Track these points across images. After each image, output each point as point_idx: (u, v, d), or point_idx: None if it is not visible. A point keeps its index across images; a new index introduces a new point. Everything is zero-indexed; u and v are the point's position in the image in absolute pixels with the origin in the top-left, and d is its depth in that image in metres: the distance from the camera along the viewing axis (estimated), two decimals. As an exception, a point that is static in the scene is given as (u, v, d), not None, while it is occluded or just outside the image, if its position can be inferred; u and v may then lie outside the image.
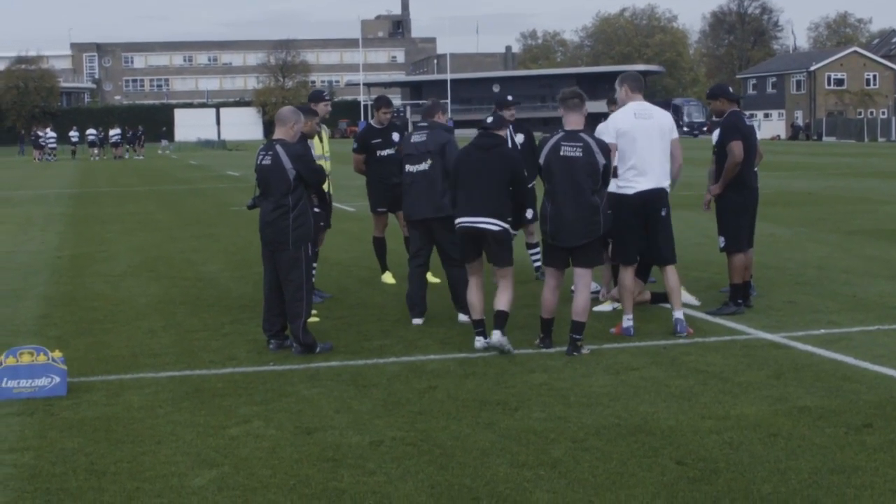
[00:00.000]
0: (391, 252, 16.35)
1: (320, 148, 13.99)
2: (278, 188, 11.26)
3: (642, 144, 11.92)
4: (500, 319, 11.23)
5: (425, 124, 13.02)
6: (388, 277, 16.04)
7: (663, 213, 12.14)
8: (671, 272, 12.20)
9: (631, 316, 12.00)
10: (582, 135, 11.12)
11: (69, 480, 7.54)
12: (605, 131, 12.11)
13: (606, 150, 11.20)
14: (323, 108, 14.09)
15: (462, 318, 12.62)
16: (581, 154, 10.97)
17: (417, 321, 12.80)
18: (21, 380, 9.73)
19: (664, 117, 12.25)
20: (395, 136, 15.11)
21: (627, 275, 12.09)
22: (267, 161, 11.37)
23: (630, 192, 11.93)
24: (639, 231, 12.08)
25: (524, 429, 8.48)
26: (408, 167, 12.82)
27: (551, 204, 11.08)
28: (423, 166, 12.66)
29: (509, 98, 15.03)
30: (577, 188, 10.97)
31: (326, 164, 13.97)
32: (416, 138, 12.84)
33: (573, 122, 11.23)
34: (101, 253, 21.06)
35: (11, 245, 22.90)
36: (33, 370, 9.76)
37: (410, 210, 12.85)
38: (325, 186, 13.70)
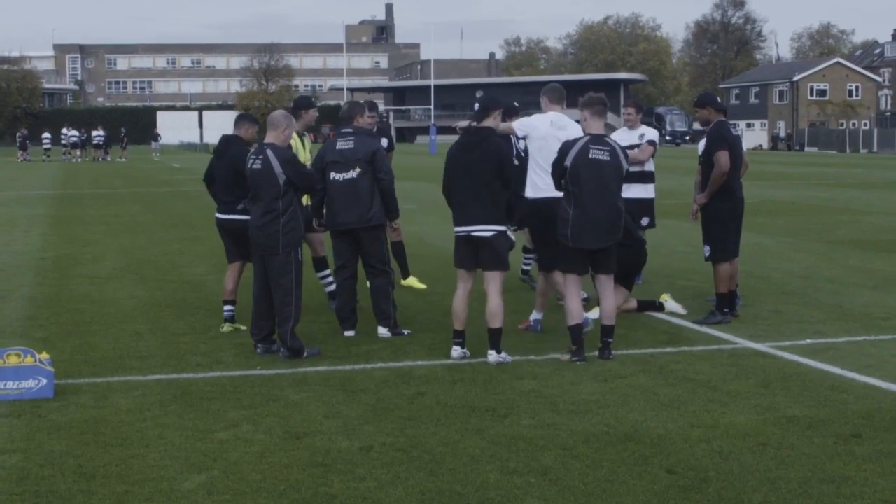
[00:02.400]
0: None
1: (305, 157, 13.82)
2: (268, 192, 11.24)
3: (548, 152, 11.98)
4: (495, 338, 11.11)
5: (349, 130, 12.50)
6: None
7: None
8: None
9: (541, 314, 12.54)
10: (607, 139, 11.23)
11: (58, 483, 7.51)
12: (519, 126, 12.55)
13: (625, 154, 11.34)
14: (313, 114, 13.99)
15: (382, 332, 12.43)
16: (609, 157, 11.04)
17: (349, 333, 12.57)
18: (8, 381, 9.69)
19: (577, 132, 12.21)
20: (384, 142, 14.94)
21: (541, 277, 12.56)
22: (257, 165, 11.34)
23: (532, 196, 12.27)
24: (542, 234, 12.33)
25: (514, 436, 8.49)
26: (333, 175, 12.33)
27: (575, 207, 11.08)
28: (352, 174, 12.25)
29: (516, 104, 14.84)
30: (605, 190, 11.05)
31: None
32: (341, 145, 12.37)
33: (598, 127, 11.27)
34: (86, 255, 21.00)
35: (-5, 246, 22.80)
36: (20, 372, 9.72)
37: (335, 220, 12.42)
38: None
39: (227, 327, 12.76)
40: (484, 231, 11.07)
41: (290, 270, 11.29)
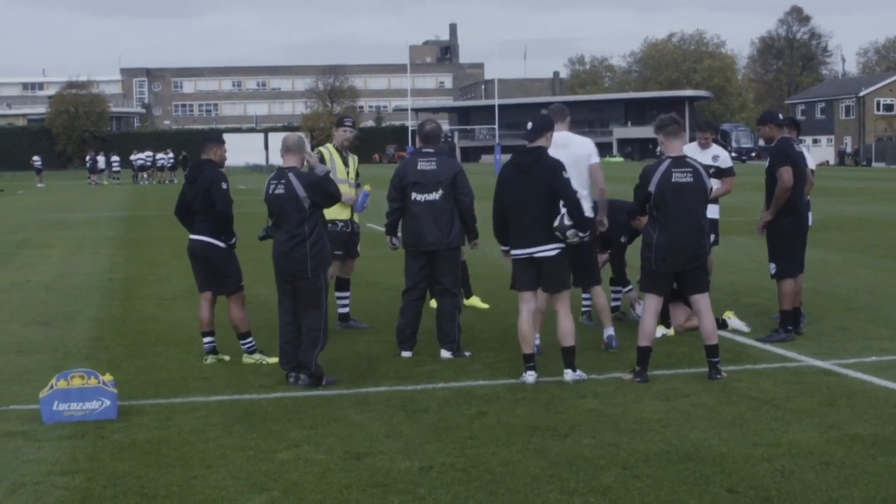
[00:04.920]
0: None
1: (343, 172, 13.92)
2: (293, 217, 11.19)
3: None
4: (570, 357, 11.09)
5: (431, 150, 12.50)
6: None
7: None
8: (598, 293, 12.65)
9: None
10: (689, 160, 11.17)
11: None
12: None
13: (708, 173, 11.37)
14: (341, 134, 14.05)
15: (445, 354, 12.37)
16: (692, 179, 10.99)
17: (406, 354, 12.56)
18: (72, 403, 9.81)
19: (580, 147, 12.41)
20: None
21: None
22: (280, 190, 11.27)
23: None
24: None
25: (574, 455, 8.45)
26: (415, 195, 12.38)
27: (660, 231, 11.03)
28: (434, 196, 12.31)
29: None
30: (690, 213, 11.01)
31: (352, 190, 13.98)
32: (424, 166, 12.39)
33: (676, 147, 11.20)
34: (152, 276, 21.21)
35: (64, 268, 23.09)
36: (84, 393, 9.83)
37: (416, 239, 12.46)
38: (349, 213, 13.89)
39: (210, 359, 12.52)
40: (548, 251, 11.03)
41: (321, 294, 11.27)
